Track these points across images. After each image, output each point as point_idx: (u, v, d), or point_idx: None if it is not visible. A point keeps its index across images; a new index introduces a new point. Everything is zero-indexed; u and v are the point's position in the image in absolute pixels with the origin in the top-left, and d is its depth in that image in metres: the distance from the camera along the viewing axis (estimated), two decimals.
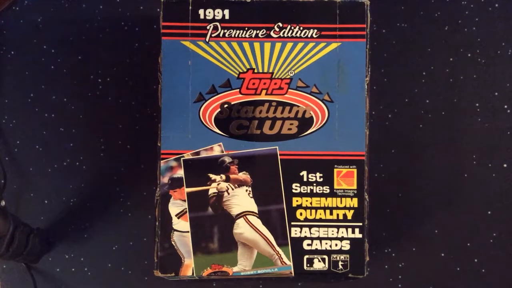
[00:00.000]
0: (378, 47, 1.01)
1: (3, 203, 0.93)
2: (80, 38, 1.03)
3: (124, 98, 1.03)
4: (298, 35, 0.87)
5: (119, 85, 1.03)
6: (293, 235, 0.87)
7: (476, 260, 0.99)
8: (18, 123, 1.03)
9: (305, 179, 0.87)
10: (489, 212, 1.00)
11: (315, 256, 0.87)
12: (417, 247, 1.00)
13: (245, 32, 0.87)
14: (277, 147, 0.87)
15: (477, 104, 1.01)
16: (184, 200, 0.87)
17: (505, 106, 1.01)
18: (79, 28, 1.03)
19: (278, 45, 0.87)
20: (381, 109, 1.01)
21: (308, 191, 0.87)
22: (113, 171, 1.02)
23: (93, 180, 1.03)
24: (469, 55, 1.01)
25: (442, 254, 1.00)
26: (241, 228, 0.87)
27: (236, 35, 0.87)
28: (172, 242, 0.87)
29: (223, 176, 0.87)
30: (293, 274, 0.87)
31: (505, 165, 1.00)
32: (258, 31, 0.87)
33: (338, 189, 0.87)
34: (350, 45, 0.87)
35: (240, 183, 0.87)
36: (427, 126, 1.01)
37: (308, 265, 0.87)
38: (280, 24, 0.87)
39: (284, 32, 0.87)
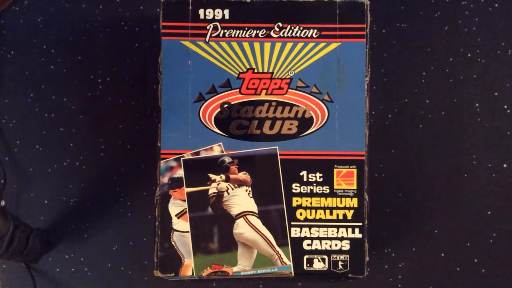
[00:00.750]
0: (378, 47, 1.01)
1: (3, 203, 0.93)
2: (80, 38, 1.03)
3: (124, 98, 1.03)
4: (298, 35, 0.87)
5: (119, 85, 1.03)
6: (293, 235, 0.87)
7: (476, 260, 0.99)
8: (18, 123, 1.03)
9: (305, 179, 0.87)
10: (489, 212, 1.00)
11: (315, 256, 0.87)
12: (417, 247, 1.00)
13: (245, 32, 0.87)
14: (277, 147, 0.87)
15: (477, 104, 1.01)
16: (184, 200, 0.87)
17: (505, 106, 1.01)
18: (79, 28, 1.03)
19: (278, 45, 0.87)
20: (381, 109, 1.01)
21: (308, 191, 0.87)
22: (113, 171, 1.02)
23: (93, 180, 1.03)
24: (469, 55, 1.01)
25: (442, 254, 1.00)
26: (241, 228, 0.87)
27: (236, 35, 0.87)
28: (172, 242, 0.87)
29: (223, 176, 0.87)
30: (293, 274, 0.87)
31: (505, 165, 1.00)
32: (258, 31, 0.87)
33: (338, 189, 0.87)
34: (350, 45, 0.87)
35: (240, 183, 0.87)
36: (427, 126, 1.01)
37: (308, 265, 0.87)
38: (280, 24, 0.87)
39: (284, 32, 0.87)
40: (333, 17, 0.87)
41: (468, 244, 0.99)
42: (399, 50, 1.02)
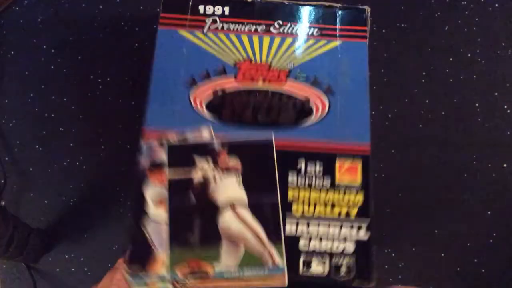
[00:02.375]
0: (378, 47, 1.01)
1: (3, 203, 0.93)
2: (80, 38, 1.03)
3: (124, 98, 1.03)
4: (298, 32, 0.87)
5: (119, 85, 1.03)
6: (287, 232, 0.77)
7: (476, 260, 0.99)
8: (18, 123, 1.03)
9: (302, 171, 0.80)
10: (489, 212, 0.99)
11: (313, 258, 0.77)
12: (417, 247, 1.00)
13: (244, 26, 0.86)
14: (272, 134, 0.80)
15: (477, 104, 1.01)
16: (165, 186, 0.78)
17: (505, 106, 1.00)
18: (79, 28, 1.03)
19: (277, 40, 0.86)
20: (381, 109, 1.01)
21: (306, 184, 0.79)
22: (113, 171, 1.02)
23: (93, 180, 1.03)
24: (469, 55, 1.01)
25: (442, 254, 0.99)
26: (227, 220, 0.76)
27: (235, 29, 0.86)
28: (144, 231, 0.76)
29: (210, 162, 0.78)
30: (286, 277, 0.75)
31: (505, 165, 1.00)
32: (257, 26, 0.86)
33: (340, 183, 0.80)
34: (350, 45, 0.87)
35: (229, 170, 0.78)
36: (427, 126, 1.01)
37: (305, 268, 0.77)
38: (281, 22, 0.87)
39: (284, 29, 0.87)
40: (334, 21, 0.87)
41: (468, 244, 0.99)
42: (399, 50, 1.02)
